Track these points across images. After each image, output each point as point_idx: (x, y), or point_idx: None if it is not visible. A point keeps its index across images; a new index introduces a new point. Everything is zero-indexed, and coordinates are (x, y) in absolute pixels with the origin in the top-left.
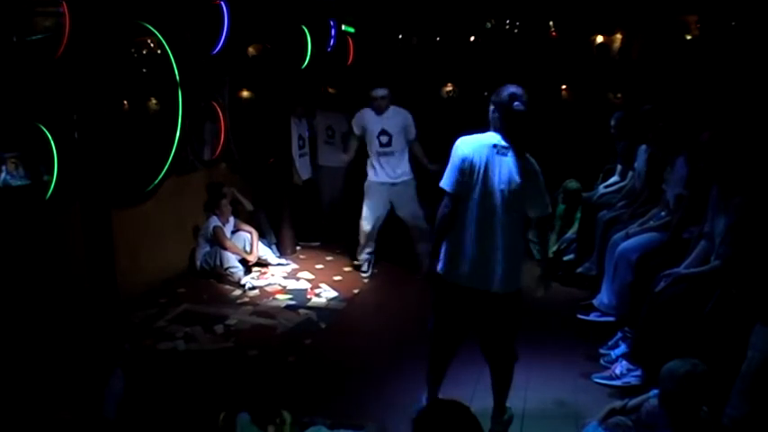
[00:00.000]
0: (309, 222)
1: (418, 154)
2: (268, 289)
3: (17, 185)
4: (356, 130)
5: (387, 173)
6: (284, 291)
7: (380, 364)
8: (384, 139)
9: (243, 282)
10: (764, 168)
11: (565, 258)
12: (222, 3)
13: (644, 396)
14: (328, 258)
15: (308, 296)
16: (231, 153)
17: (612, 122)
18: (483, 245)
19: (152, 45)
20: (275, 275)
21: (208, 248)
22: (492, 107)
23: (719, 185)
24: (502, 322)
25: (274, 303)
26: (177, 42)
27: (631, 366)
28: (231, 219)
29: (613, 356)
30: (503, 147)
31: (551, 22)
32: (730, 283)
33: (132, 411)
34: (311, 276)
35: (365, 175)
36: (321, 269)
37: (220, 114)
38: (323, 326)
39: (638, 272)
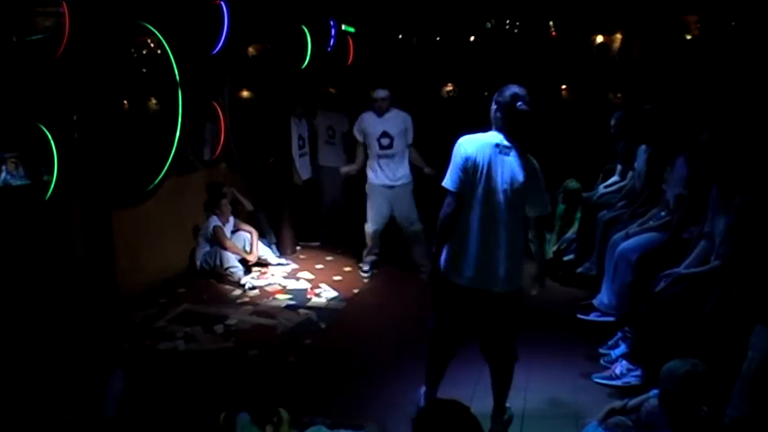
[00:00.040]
0: (309, 222)
1: (415, 159)
2: (268, 289)
3: (17, 185)
4: (358, 137)
5: (387, 175)
6: (284, 291)
7: (380, 364)
8: (385, 141)
9: (243, 282)
10: (764, 168)
11: (565, 258)
12: (222, 3)
13: (644, 396)
14: (328, 258)
15: (308, 296)
16: (231, 153)
17: (612, 122)
18: (486, 245)
19: (152, 45)
20: (275, 275)
21: (208, 248)
22: (494, 107)
23: (719, 185)
24: (503, 322)
25: (274, 303)
26: (177, 42)
27: (631, 366)
28: (231, 219)
29: (613, 356)
30: (505, 146)
31: (551, 22)
32: (730, 283)
33: (132, 411)
34: (311, 276)
35: (365, 175)
36: (321, 269)
37: (220, 114)
38: (323, 326)
39: (638, 272)
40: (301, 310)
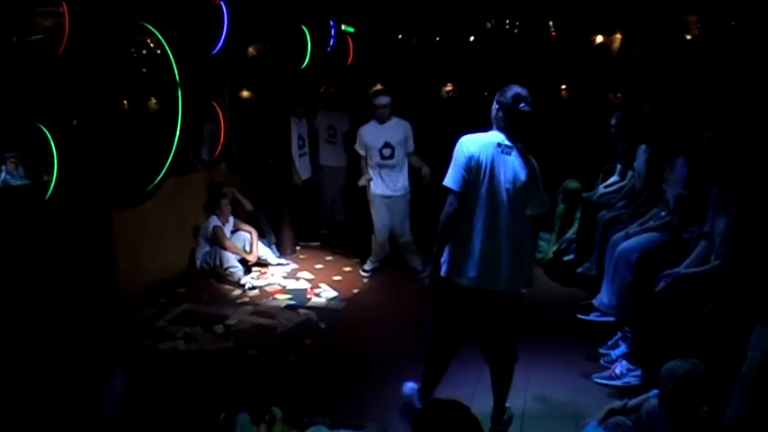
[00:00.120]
0: (309, 222)
1: (414, 160)
2: (268, 289)
3: (17, 185)
4: (360, 151)
5: (387, 185)
6: (284, 291)
7: (380, 364)
8: (387, 151)
9: (243, 282)
10: (764, 168)
11: (565, 258)
12: (222, 3)
13: (644, 396)
14: (328, 258)
15: (308, 296)
16: (231, 153)
17: (612, 122)
18: (490, 245)
19: (152, 45)
20: (275, 275)
21: (208, 248)
22: (496, 107)
23: (719, 185)
24: (505, 322)
25: (274, 303)
26: (177, 42)
27: (631, 366)
28: (231, 219)
29: (613, 356)
30: (507, 146)
31: (551, 22)
32: (730, 283)
33: (132, 411)
34: (311, 276)
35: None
36: (321, 269)
37: (220, 114)
38: (323, 326)
39: (638, 272)
40: (301, 310)
